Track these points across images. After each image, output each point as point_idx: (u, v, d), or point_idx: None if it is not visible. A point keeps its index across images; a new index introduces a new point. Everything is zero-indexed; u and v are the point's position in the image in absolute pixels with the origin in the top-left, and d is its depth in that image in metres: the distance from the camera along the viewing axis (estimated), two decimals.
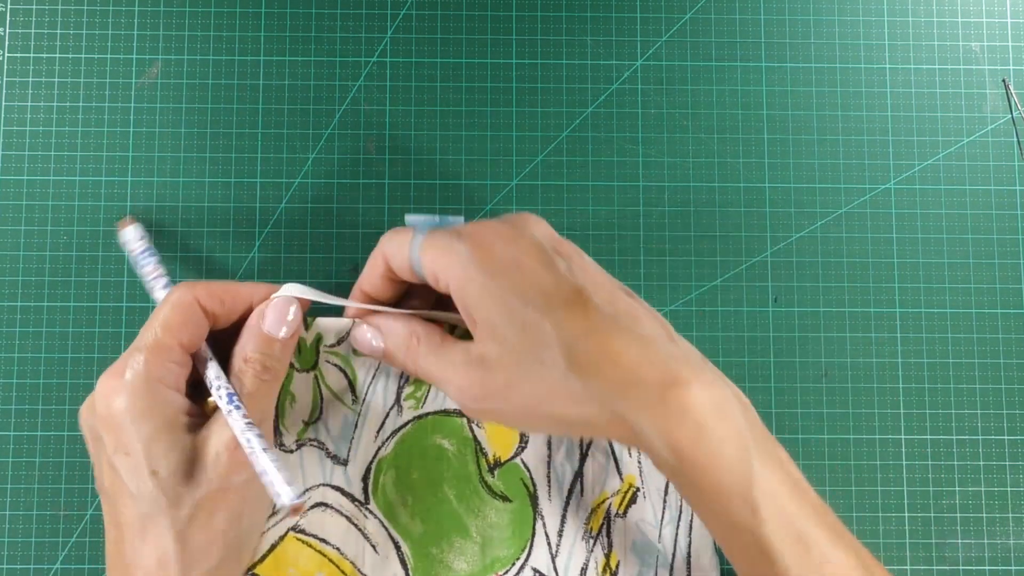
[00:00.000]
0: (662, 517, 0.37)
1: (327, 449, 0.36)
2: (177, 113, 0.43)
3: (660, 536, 0.37)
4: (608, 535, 0.37)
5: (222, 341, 0.35)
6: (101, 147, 0.42)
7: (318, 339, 0.37)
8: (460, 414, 0.37)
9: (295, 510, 0.31)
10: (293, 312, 0.35)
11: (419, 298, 0.38)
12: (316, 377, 0.37)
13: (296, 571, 0.35)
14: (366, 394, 0.37)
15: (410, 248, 0.34)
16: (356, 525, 0.36)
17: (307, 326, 0.37)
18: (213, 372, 0.34)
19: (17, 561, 0.40)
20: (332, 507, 0.36)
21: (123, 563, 0.32)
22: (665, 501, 0.38)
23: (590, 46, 0.43)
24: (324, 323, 0.37)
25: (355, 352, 0.37)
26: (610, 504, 0.38)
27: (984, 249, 0.43)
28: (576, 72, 0.43)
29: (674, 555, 0.37)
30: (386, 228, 0.42)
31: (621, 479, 0.38)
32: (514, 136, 0.43)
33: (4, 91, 0.42)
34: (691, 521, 0.38)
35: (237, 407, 0.33)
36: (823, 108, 0.43)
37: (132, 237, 0.39)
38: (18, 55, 0.43)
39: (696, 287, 0.42)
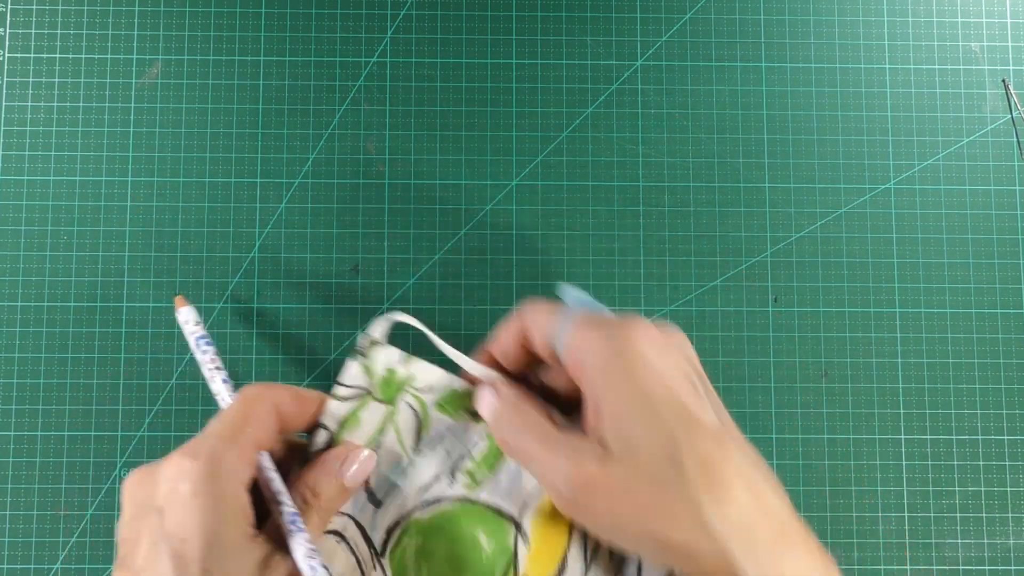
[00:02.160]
0: None
1: (368, 485, 0.35)
2: (177, 113, 0.43)
3: None
4: None
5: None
6: (101, 147, 0.42)
7: (410, 379, 0.35)
8: (512, 520, 0.35)
9: None
10: (364, 459, 0.34)
11: (541, 380, 0.37)
12: (390, 413, 0.35)
13: None
14: (427, 448, 0.35)
15: (557, 321, 0.33)
16: (363, 571, 0.34)
17: (406, 361, 0.35)
18: (277, 485, 0.33)
19: (17, 561, 0.40)
20: (347, 542, 0.34)
21: None
22: None
23: (590, 46, 0.43)
24: (423, 367, 0.35)
25: (441, 407, 0.35)
26: None
27: (984, 249, 0.43)
28: (576, 72, 0.43)
29: None
30: (386, 228, 0.42)
31: None
32: (514, 136, 0.43)
33: (4, 91, 0.42)
34: None
35: (300, 529, 0.32)
36: (823, 108, 0.43)
37: (188, 319, 0.37)
38: (18, 55, 0.43)
39: (696, 287, 0.42)
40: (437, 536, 0.35)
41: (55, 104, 0.42)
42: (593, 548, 0.35)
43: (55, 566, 0.40)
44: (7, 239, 0.42)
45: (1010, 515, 0.41)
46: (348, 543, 0.34)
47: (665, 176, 0.43)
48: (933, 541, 0.41)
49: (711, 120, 0.43)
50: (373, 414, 0.36)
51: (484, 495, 0.35)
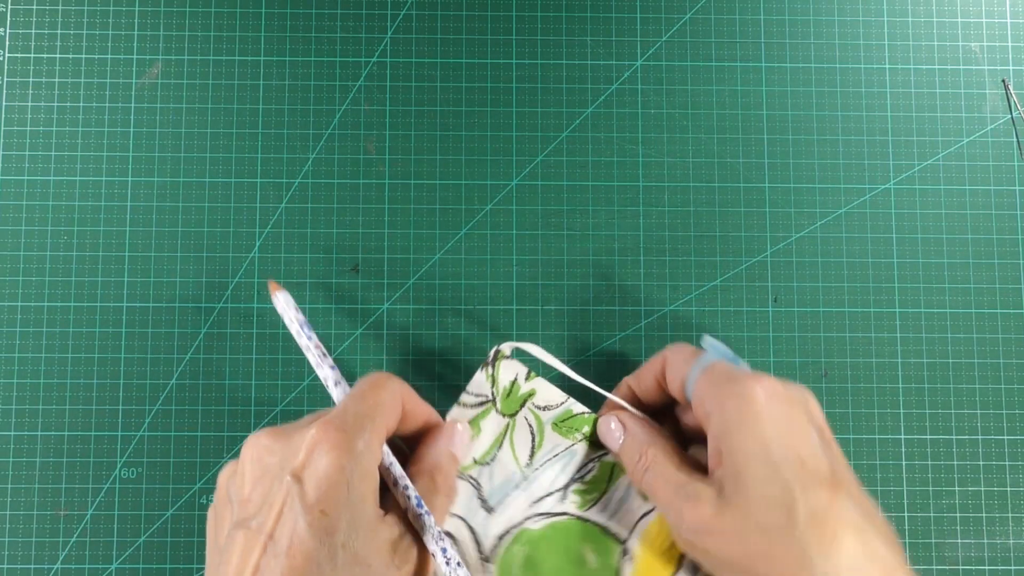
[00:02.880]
0: None
1: (481, 493, 0.36)
2: (177, 113, 0.43)
3: None
4: None
5: None
6: (101, 147, 0.42)
7: (531, 394, 0.37)
8: (619, 541, 0.36)
9: None
10: (461, 431, 0.36)
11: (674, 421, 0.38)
12: (508, 427, 0.37)
13: None
14: (542, 466, 0.36)
15: (692, 365, 0.34)
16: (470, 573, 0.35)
17: (528, 377, 0.37)
18: (398, 470, 0.33)
19: (17, 561, 0.40)
20: (459, 544, 0.35)
21: None
22: None
23: (590, 46, 0.43)
24: (543, 385, 0.37)
25: (557, 426, 0.37)
26: None
27: (984, 249, 0.43)
28: (576, 72, 0.43)
29: None
30: (386, 228, 0.42)
31: None
32: (514, 136, 0.43)
33: (4, 91, 0.42)
34: None
35: (428, 513, 0.32)
36: (823, 108, 0.43)
37: (289, 305, 0.36)
38: (18, 55, 0.43)
39: (696, 287, 0.42)
40: (546, 548, 0.36)
41: (55, 104, 0.42)
42: None
43: (55, 566, 0.40)
44: (7, 239, 0.42)
45: (1010, 515, 0.41)
46: (459, 544, 0.36)
47: (665, 176, 0.43)
48: (933, 541, 0.41)
49: (711, 120, 0.43)
50: (493, 425, 0.37)
51: (594, 514, 0.36)
